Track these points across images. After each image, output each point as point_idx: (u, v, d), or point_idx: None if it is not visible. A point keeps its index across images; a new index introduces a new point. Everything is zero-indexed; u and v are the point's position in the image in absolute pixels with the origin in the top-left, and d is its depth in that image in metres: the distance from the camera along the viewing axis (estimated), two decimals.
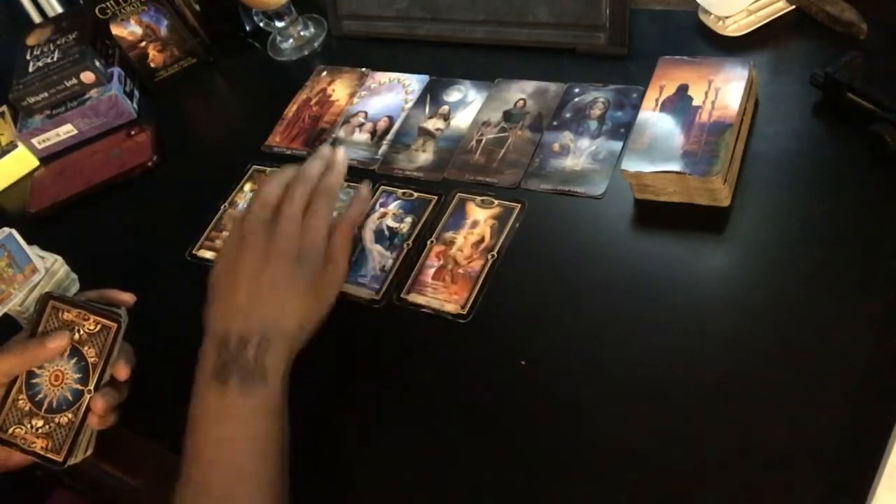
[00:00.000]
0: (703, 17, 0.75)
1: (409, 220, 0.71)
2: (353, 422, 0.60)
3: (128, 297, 0.66)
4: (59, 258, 0.75)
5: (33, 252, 0.73)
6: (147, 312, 0.66)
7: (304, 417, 0.61)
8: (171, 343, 0.64)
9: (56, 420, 0.61)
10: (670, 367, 0.54)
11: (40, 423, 0.61)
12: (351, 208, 0.65)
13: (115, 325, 0.62)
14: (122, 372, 0.62)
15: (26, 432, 0.61)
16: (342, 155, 0.66)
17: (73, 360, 0.61)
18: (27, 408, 0.61)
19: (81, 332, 0.62)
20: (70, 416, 0.60)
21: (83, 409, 0.60)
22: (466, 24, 0.84)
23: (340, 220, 0.63)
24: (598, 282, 0.61)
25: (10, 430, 0.61)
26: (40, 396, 0.61)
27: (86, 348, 0.61)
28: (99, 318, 0.62)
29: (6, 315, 0.72)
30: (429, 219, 0.70)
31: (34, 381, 0.61)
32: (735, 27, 0.72)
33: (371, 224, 0.72)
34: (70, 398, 0.61)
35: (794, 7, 0.71)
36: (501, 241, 0.66)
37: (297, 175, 0.63)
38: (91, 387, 0.61)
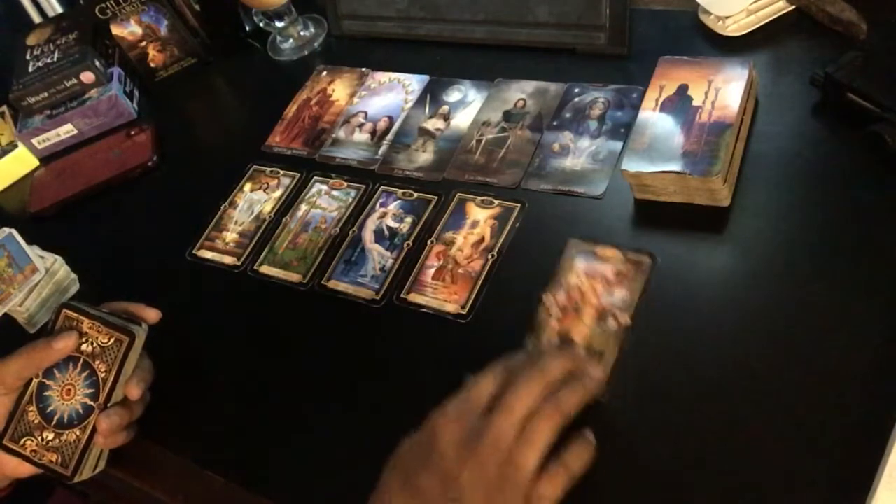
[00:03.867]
0: (703, 17, 0.75)
1: (409, 220, 0.71)
2: (353, 422, 0.60)
3: (152, 314, 0.64)
4: (59, 258, 0.76)
5: (33, 252, 0.73)
6: None
7: (304, 418, 0.61)
8: (172, 343, 0.64)
9: (64, 436, 0.59)
10: (669, 366, 0.54)
11: (51, 436, 0.59)
12: (571, 455, 0.49)
13: (127, 340, 0.60)
14: (133, 391, 0.60)
15: (38, 445, 0.59)
16: (600, 374, 0.53)
17: (85, 374, 0.60)
18: (37, 421, 0.59)
19: (94, 344, 0.60)
20: (78, 433, 0.59)
21: (91, 426, 0.59)
22: (466, 24, 0.84)
23: (558, 465, 0.48)
24: None
25: (22, 442, 0.60)
26: (51, 409, 0.60)
27: (97, 362, 0.60)
28: (112, 332, 0.60)
29: (6, 315, 0.72)
30: (429, 219, 0.70)
31: (46, 393, 0.60)
32: (735, 27, 0.72)
33: (371, 224, 0.72)
34: (80, 412, 0.59)
35: (794, 7, 0.71)
36: (501, 241, 0.66)
37: (533, 366, 0.51)
38: (101, 402, 0.59)
